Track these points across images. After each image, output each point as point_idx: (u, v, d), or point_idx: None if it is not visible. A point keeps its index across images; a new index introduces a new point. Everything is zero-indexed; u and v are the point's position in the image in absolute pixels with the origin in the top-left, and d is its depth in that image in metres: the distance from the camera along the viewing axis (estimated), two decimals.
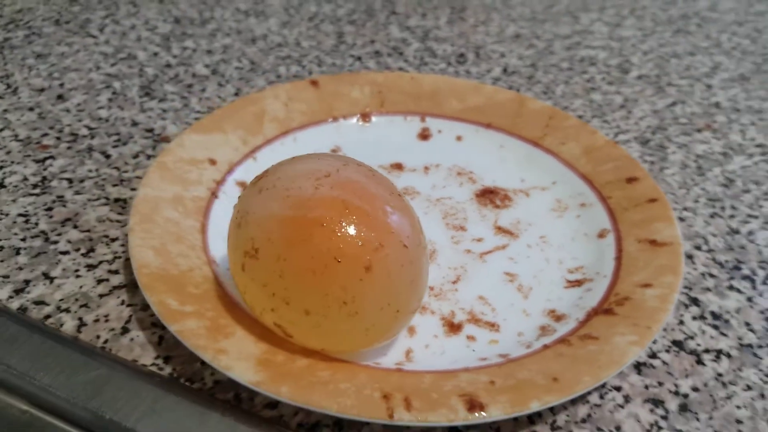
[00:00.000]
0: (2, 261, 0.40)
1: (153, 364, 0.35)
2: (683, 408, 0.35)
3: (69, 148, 0.50)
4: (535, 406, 0.30)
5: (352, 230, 0.30)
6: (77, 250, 0.41)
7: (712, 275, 0.43)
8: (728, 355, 0.38)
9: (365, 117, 0.53)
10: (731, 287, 0.43)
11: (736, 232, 0.47)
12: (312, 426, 0.32)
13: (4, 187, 0.46)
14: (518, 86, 0.63)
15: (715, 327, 0.40)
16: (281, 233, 0.30)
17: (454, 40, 0.72)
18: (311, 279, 0.30)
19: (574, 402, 0.35)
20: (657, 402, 0.35)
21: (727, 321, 0.40)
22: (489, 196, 0.47)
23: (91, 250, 0.41)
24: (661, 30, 0.79)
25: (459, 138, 0.53)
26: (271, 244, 0.31)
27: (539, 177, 0.49)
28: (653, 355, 0.38)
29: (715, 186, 0.52)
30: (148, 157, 0.50)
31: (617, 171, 0.46)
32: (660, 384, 0.36)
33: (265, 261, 0.31)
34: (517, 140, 0.51)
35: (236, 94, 0.58)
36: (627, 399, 0.35)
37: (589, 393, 0.35)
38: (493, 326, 0.38)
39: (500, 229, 0.45)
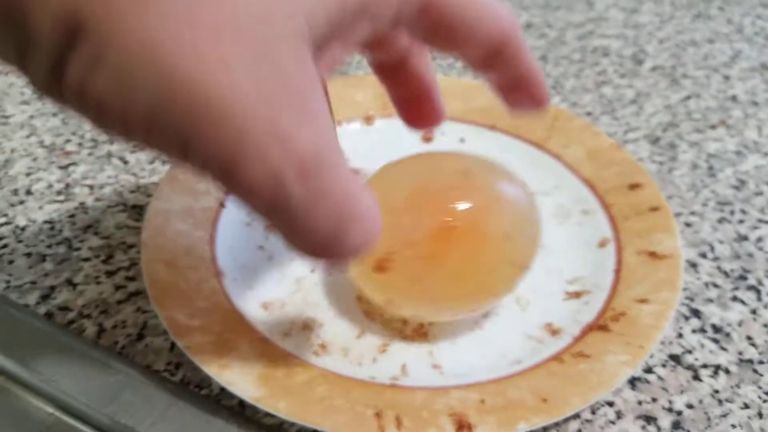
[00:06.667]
0: (30, 267, 0.42)
1: (165, 370, 0.36)
2: (676, 425, 0.35)
3: (90, 154, 0.51)
4: (522, 428, 0.31)
5: None
6: (97, 256, 0.43)
7: (715, 285, 0.42)
8: (726, 371, 0.38)
9: (368, 120, 0.53)
10: (735, 298, 0.42)
11: (745, 238, 0.46)
12: None
13: (32, 194, 0.48)
14: None
15: (715, 341, 0.39)
16: None
17: None
18: None
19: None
20: (649, 419, 0.35)
21: (728, 334, 0.40)
22: None
23: (110, 256, 0.43)
24: (680, 15, 0.76)
25: (462, 140, 0.52)
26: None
27: (542, 181, 0.47)
28: (649, 370, 0.37)
29: (725, 188, 0.50)
30: (163, 162, 0.51)
31: (620, 176, 0.46)
32: (654, 400, 0.36)
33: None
34: (521, 142, 0.50)
35: None
36: (619, 415, 0.35)
37: None
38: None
39: None
